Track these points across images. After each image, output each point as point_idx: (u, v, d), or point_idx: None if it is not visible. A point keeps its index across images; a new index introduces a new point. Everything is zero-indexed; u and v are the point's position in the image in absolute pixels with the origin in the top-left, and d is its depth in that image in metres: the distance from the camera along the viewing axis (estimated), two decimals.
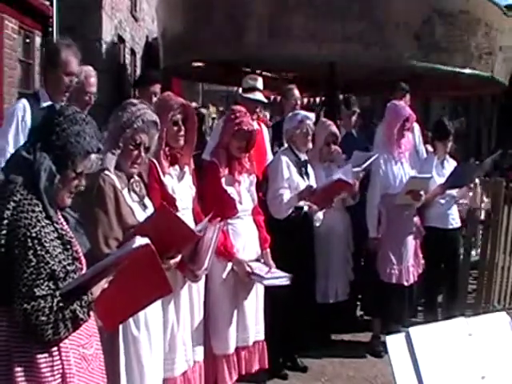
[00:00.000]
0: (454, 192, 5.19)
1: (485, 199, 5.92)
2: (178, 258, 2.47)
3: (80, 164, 2.05)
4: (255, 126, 4.76)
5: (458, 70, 7.00)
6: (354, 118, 5.74)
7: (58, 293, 1.90)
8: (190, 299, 3.42)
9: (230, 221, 3.75)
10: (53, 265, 1.91)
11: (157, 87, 4.72)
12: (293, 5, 6.47)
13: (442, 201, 5.13)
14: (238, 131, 3.76)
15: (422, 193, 4.76)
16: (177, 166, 3.38)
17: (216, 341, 3.68)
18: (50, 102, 3.48)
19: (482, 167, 5.40)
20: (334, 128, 4.93)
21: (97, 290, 2.00)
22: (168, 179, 3.30)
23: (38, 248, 1.89)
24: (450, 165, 5.28)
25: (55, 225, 1.98)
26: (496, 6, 7.43)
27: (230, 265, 3.72)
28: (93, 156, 2.09)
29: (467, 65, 7.08)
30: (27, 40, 7.86)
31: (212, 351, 3.68)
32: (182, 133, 3.33)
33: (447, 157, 5.31)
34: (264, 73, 7.89)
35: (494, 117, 12.96)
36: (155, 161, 3.23)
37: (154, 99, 4.61)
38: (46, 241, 1.91)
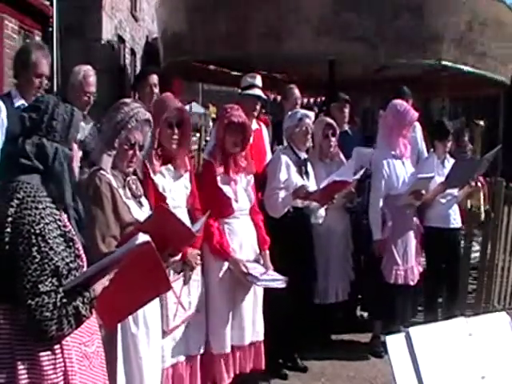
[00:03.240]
0: (455, 192, 5.19)
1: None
2: (178, 257, 2.49)
3: (79, 133, 2.14)
4: (254, 124, 4.79)
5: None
6: (346, 111, 5.63)
7: (61, 289, 1.91)
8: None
9: (226, 220, 3.76)
10: (56, 261, 1.92)
11: (154, 78, 4.75)
12: (293, 4, 6.48)
13: (443, 200, 5.13)
14: (229, 124, 3.76)
15: (423, 192, 4.76)
16: (170, 165, 3.39)
17: (213, 340, 3.69)
18: (22, 102, 3.54)
19: (483, 162, 5.37)
20: (329, 119, 4.94)
21: (98, 288, 2.02)
22: (159, 178, 3.31)
23: (42, 245, 1.90)
24: (451, 164, 5.28)
25: (58, 222, 1.99)
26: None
27: (226, 264, 3.72)
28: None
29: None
30: (27, 40, 7.84)
31: (209, 350, 3.68)
32: (176, 136, 3.36)
33: (447, 156, 5.31)
34: (264, 73, 7.88)
35: (487, 116, 12.97)
36: (146, 161, 3.26)
37: (156, 90, 4.64)
38: (49, 238, 1.92)
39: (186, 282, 3.42)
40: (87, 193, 2.70)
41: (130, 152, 2.84)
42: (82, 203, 2.17)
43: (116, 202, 2.74)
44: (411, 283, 4.76)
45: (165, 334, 3.24)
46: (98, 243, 2.64)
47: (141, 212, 2.86)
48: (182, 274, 3.38)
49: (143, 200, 2.97)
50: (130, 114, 2.81)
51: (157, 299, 2.94)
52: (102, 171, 2.77)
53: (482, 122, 5.44)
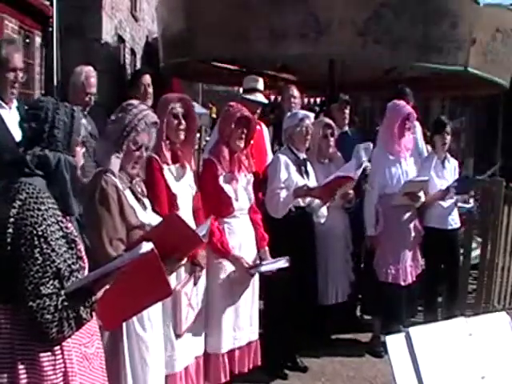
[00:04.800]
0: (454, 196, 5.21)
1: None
2: (184, 261, 2.48)
3: (80, 136, 2.12)
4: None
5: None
6: (346, 111, 5.63)
7: (62, 292, 1.91)
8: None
9: (225, 219, 3.76)
10: (58, 263, 1.92)
11: (147, 78, 4.78)
12: (292, 4, 6.46)
13: (444, 203, 5.14)
14: (240, 119, 3.77)
15: (420, 194, 4.77)
16: (178, 164, 3.39)
17: (209, 339, 3.69)
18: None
19: (481, 182, 5.47)
20: (327, 119, 4.95)
21: (100, 291, 2.01)
22: (169, 175, 3.31)
23: (44, 246, 1.90)
24: (451, 165, 5.29)
25: (60, 224, 1.99)
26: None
27: (226, 264, 3.73)
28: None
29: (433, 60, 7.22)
30: (27, 40, 7.83)
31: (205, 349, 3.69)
32: (183, 127, 3.36)
33: (448, 156, 5.31)
34: (265, 73, 7.88)
35: (485, 117, 12.99)
36: (156, 156, 3.25)
37: (150, 90, 4.68)
38: (51, 239, 1.92)
39: (195, 283, 3.44)
40: (93, 195, 2.68)
41: (137, 154, 2.84)
42: (84, 204, 2.17)
43: (122, 204, 2.73)
44: (402, 283, 4.77)
45: (178, 337, 3.25)
46: (106, 246, 2.63)
47: (145, 214, 2.85)
48: (192, 275, 3.41)
49: (146, 201, 2.95)
50: (139, 117, 2.82)
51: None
52: (107, 173, 2.74)
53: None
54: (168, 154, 3.32)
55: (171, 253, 2.18)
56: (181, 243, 2.23)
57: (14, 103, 3.58)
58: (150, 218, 2.84)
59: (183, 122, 3.35)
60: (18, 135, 3.36)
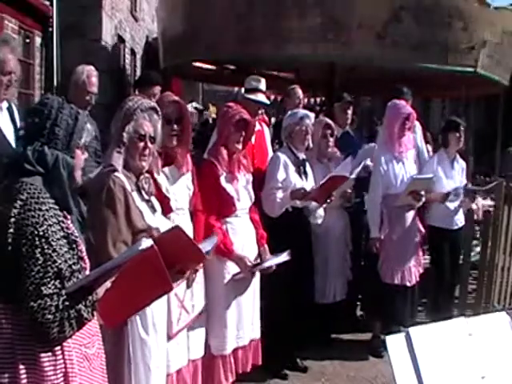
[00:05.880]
0: (461, 196, 5.22)
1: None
2: (187, 274, 2.47)
3: (83, 138, 2.11)
4: (256, 125, 4.80)
5: (435, 66, 7.00)
6: (349, 112, 5.65)
7: (63, 292, 1.91)
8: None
9: (228, 219, 3.75)
10: (59, 264, 1.92)
11: (157, 89, 4.75)
12: (294, 4, 6.46)
13: (450, 205, 5.13)
14: (239, 121, 3.76)
15: (422, 193, 4.76)
16: (173, 166, 3.37)
17: (213, 341, 3.69)
18: None
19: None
20: (328, 120, 4.95)
21: (101, 290, 2.02)
22: (162, 179, 3.28)
23: (45, 247, 1.90)
24: (460, 166, 5.30)
25: (61, 224, 1.99)
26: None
27: (228, 265, 3.72)
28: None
29: (445, 61, 7.10)
30: (27, 40, 7.82)
31: (209, 351, 3.69)
32: (175, 132, 3.31)
33: (457, 156, 5.32)
34: (266, 72, 7.87)
35: (485, 117, 12.99)
36: None
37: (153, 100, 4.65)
38: (52, 239, 1.92)
39: (189, 286, 3.41)
40: (100, 195, 2.64)
41: (141, 144, 2.78)
42: (88, 204, 2.16)
43: (129, 206, 2.68)
44: (408, 284, 4.76)
45: (169, 338, 3.23)
46: (109, 248, 2.60)
47: (153, 217, 2.81)
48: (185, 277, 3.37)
49: (156, 203, 2.91)
50: (134, 107, 2.78)
51: (164, 303, 2.93)
52: (116, 173, 2.70)
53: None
54: (160, 160, 3.23)
55: (172, 264, 2.18)
56: (183, 256, 2.23)
57: (5, 104, 3.56)
58: (159, 222, 2.80)
59: (175, 127, 3.31)
60: (9, 135, 3.36)
